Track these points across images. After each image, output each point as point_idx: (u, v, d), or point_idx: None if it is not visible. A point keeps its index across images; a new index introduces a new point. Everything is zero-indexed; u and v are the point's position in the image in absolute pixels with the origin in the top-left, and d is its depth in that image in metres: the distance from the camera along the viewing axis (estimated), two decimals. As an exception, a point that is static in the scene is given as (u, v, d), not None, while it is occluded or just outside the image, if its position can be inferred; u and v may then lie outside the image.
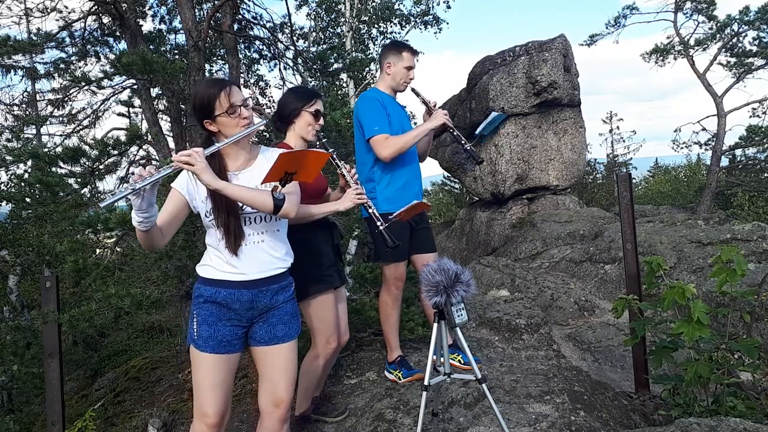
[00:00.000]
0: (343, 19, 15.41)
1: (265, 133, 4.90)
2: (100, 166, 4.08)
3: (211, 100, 2.06)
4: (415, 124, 3.58)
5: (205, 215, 2.11)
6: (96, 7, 6.82)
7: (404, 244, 3.27)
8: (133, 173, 1.87)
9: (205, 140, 2.19)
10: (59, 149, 4.45)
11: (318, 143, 2.84)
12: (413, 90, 3.37)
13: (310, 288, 2.77)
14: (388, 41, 3.61)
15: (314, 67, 6.77)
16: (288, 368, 2.19)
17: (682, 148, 17.72)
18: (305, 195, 2.76)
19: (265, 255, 2.15)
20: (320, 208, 2.70)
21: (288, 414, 2.20)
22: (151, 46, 7.70)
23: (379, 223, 2.64)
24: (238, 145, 2.15)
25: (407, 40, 17.69)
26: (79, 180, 4.13)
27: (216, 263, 2.12)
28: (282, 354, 2.18)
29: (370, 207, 2.66)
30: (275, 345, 2.17)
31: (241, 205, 2.10)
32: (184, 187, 2.11)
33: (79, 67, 7.71)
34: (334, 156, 2.75)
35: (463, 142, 3.21)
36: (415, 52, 3.33)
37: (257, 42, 7.47)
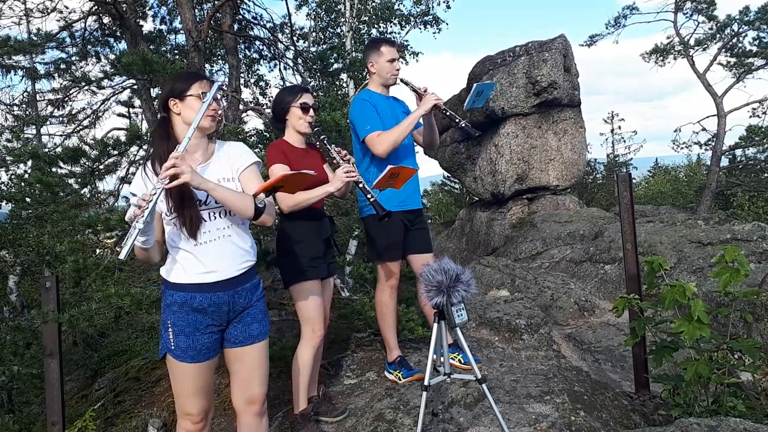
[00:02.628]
0: (343, 19, 15.41)
1: (265, 133, 4.90)
2: (100, 166, 4.08)
3: (191, 81, 2.09)
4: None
5: (166, 213, 2.06)
6: (96, 7, 6.83)
7: (398, 244, 3.27)
8: (130, 206, 1.88)
9: (159, 122, 2.15)
10: (59, 149, 4.45)
11: (312, 134, 2.90)
12: (402, 80, 3.36)
13: (295, 277, 2.85)
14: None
15: (314, 67, 6.77)
16: (261, 366, 2.18)
17: (682, 148, 17.73)
18: (302, 188, 2.80)
19: (234, 247, 2.10)
20: (311, 192, 2.74)
21: (264, 408, 2.20)
22: (152, 47, 7.70)
23: (369, 196, 2.69)
24: (198, 138, 2.11)
25: (407, 41, 17.71)
26: (79, 180, 4.12)
27: (186, 264, 2.06)
28: (256, 353, 2.16)
29: (360, 182, 2.71)
30: (250, 345, 2.15)
31: (202, 199, 2.06)
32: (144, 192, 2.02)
33: (80, 68, 7.71)
34: (325, 141, 2.83)
35: (457, 120, 3.20)
36: (393, 44, 3.33)
37: (257, 42, 7.47)
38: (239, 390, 2.17)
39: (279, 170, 2.73)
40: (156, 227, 2.02)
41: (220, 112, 2.14)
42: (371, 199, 2.69)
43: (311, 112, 2.91)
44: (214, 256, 2.06)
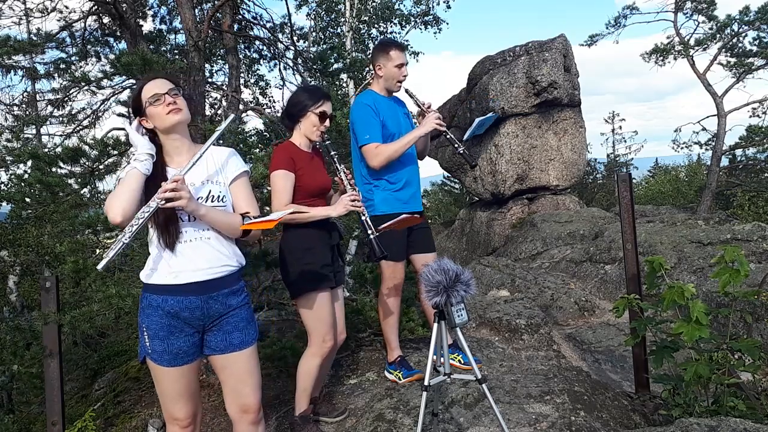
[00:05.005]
0: (343, 19, 15.42)
1: (265, 133, 4.90)
2: (100, 166, 4.08)
3: (137, 94, 2.02)
4: (415, 122, 3.56)
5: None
6: (96, 7, 6.83)
7: (401, 245, 3.27)
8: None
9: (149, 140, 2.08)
10: (59, 149, 4.45)
11: (320, 144, 2.84)
12: (407, 91, 3.34)
13: (304, 286, 2.75)
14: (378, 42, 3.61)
15: (314, 67, 6.77)
16: (249, 374, 2.11)
17: (682, 148, 17.74)
18: (306, 193, 2.76)
19: (212, 251, 2.03)
20: (312, 212, 2.68)
21: (259, 417, 2.14)
22: (151, 46, 7.70)
23: (369, 232, 2.63)
24: (177, 140, 2.06)
25: (407, 41, 17.71)
26: (79, 180, 4.12)
27: (160, 265, 2.00)
28: (241, 361, 2.09)
29: (364, 214, 2.64)
30: (232, 353, 2.08)
31: None
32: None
33: (79, 67, 7.70)
34: (335, 159, 2.73)
35: (456, 145, 3.18)
36: (403, 48, 3.30)
37: (257, 42, 7.47)
38: (231, 398, 2.12)
39: (281, 176, 2.67)
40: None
41: (177, 102, 2.01)
42: (371, 236, 2.62)
43: (327, 122, 2.80)
44: (187, 257, 2.00)
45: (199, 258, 2.01)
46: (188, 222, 2.01)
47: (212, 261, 2.03)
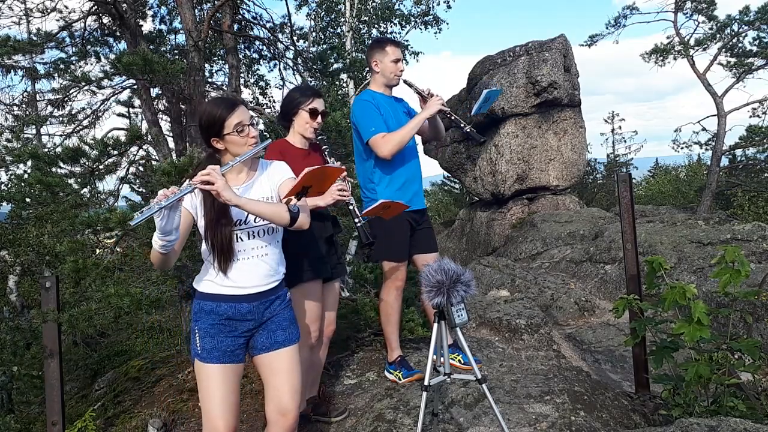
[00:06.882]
0: (343, 19, 15.41)
1: (265, 133, 4.91)
2: (100, 166, 4.08)
3: (222, 119, 2.10)
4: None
5: (202, 234, 2.15)
6: (96, 7, 6.82)
7: (403, 245, 3.27)
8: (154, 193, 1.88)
9: (207, 157, 2.22)
10: (59, 149, 4.45)
11: (316, 140, 2.87)
12: (406, 81, 3.35)
13: (294, 277, 2.78)
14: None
15: (314, 67, 6.77)
16: (291, 372, 2.18)
17: (682, 148, 17.72)
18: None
19: (266, 267, 2.18)
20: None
21: (295, 424, 2.18)
22: (151, 46, 7.70)
23: (357, 220, 2.67)
24: (243, 161, 2.16)
25: (407, 41, 17.72)
26: (79, 180, 4.12)
27: (216, 278, 2.14)
28: (283, 359, 2.18)
29: (351, 204, 2.67)
30: (276, 350, 2.18)
31: (242, 218, 2.12)
32: (189, 205, 2.12)
33: (79, 67, 7.69)
34: (326, 153, 2.81)
35: (462, 125, 3.20)
36: (398, 44, 3.33)
37: (257, 42, 7.47)
38: (271, 399, 2.18)
39: None
40: (181, 235, 2.03)
41: (255, 133, 2.17)
42: (358, 224, 2.67)
43: (319, 118, 2.86)
44: (245, 273, 2.13)
45: (257, 275, 2.16)
46: (247, 239, 2.14)
47: (267, 276, 2.19)
